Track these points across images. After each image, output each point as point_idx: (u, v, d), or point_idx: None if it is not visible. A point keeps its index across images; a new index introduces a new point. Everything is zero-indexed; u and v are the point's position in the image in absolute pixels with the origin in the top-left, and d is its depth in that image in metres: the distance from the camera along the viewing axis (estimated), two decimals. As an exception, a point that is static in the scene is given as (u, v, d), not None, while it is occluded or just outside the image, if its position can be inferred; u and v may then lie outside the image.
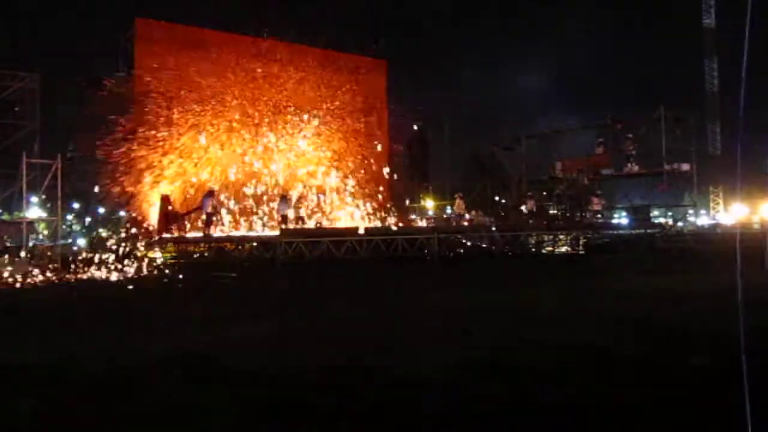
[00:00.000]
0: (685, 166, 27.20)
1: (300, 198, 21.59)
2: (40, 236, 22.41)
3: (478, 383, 5.12)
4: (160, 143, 20.12)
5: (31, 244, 19.87)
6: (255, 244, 18.62)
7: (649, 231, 24.87)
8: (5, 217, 23.41)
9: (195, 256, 18.86)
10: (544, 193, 30.37)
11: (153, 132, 19.99)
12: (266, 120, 22.28)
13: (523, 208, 26.05)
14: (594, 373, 5.40)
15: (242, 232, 20.39)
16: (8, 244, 20.06)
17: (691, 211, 31.08)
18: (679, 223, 28.26)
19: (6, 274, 15.20)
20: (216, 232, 19.24)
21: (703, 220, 38.89)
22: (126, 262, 16.71)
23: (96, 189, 20.40)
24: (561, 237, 23.82)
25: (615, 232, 25.17)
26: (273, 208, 21.43)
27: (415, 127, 28.46)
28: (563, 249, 23.43)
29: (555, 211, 29.15)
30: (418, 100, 25.38)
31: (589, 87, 69.45)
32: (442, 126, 30.73)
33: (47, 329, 8.26)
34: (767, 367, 3.96)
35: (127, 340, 7.21)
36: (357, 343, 6.92)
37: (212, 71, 21.14)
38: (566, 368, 5.53)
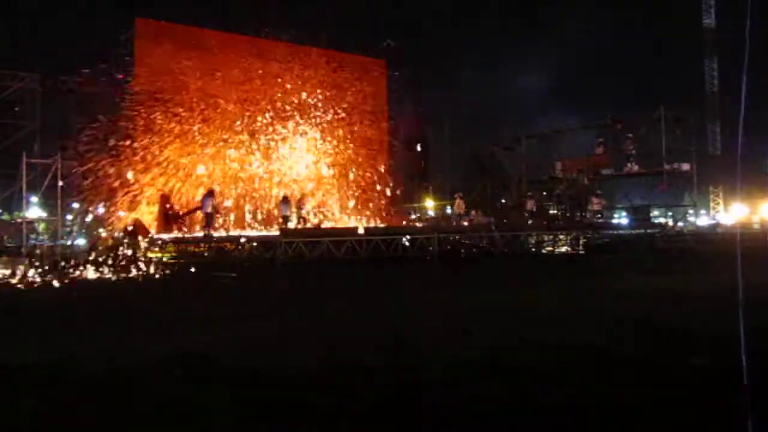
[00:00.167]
0: (685, 166, 27.24)
1: (301, 198, 21.59)
2: (40, 236, 22.41)
3: (478, 383, 5.11)
4: (141, 154, 19.59)
5: (30, 243, 19.86)
6: (255, 244, 18.62)
7: (649, 231, 24.90)
8: (5, 217, 23.42)
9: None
10: (544, 193, 30.40)
11: (130, 142, 19.37)
12: (266, 120, 22.27)
13: (526, 212, 26.07)
14: (594, 373, 5.40)
15: (242, 232, 20.40)
16: (8, 245, 20.07)
17: (691, 211, 31.12)
18: (680, 223, 28.28)
19: (6, 275, 15.20)
20: (218, 231, 19.25)
21: (703, 220, 38.90)
22: (126, 262, 16.71)
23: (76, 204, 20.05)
24: (561, 237, 23.83)
25: (615, 232, 25.20)
26: (272, 208, 21.45)
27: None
28: (563, 249, 23.44)
29: (555, 211, 29.18)
30: (417, 100, 25.26)
31: (589, 87, 69.50)
32: (442, 126, 30.75)
33: (47, 329, 8.26)
34: (767, 367, 3.96)
35: (127, 340, 7.20)
36: (357, 343, 6.92)
37: (212, 71, 21.13)
38: (566, 368, 5.53)
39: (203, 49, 21.16)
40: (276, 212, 21.50)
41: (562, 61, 66.41)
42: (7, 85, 21.58)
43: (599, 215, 25.88)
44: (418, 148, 28.57)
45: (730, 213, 40.37)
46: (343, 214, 23.58)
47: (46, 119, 22.04)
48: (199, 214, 19.53)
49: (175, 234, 18.41)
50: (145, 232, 18.23)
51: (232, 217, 20.72)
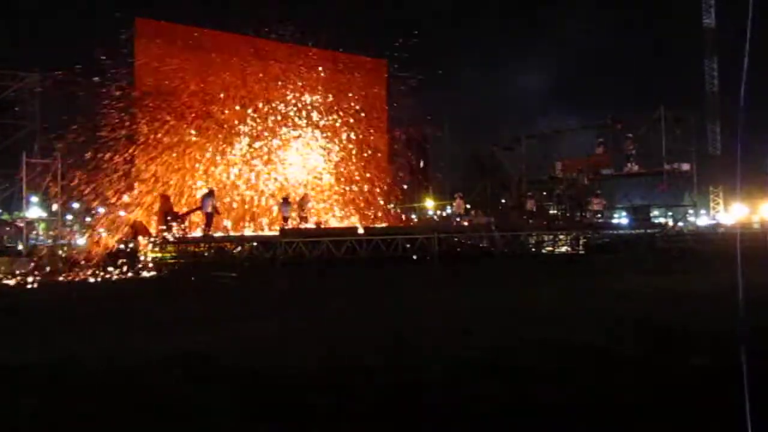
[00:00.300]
0: (685, 166, 27.26)
1: (302, 199, 21.57)
2: (40, 237, 22.42)
3: (478, 383, 5.11)
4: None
5: (31, 243, 19.87)
6: (255, 244, 18.62)
7: (649, 231, 24.89)
8: (5, 217, 23.43)
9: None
10: (544, 193, 30.42)
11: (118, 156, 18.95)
12: (266, 120, 22.27)
13: (526, 212, 26.06)
14: (594, 373, 5.40)
15: (243, 232, 20.40)
16: (8, 245, 20.08)
17: (691, 211, 31.13)
18: (680, 223, 28.30)
19: (5, 275, 15.21)
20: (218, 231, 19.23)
21: (703, 220, 38.91)
22: (125, 262, 16.71)
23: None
24: (561, 237, 23.83)
25: (615, 232, 25.19)
26: (272, 207, 21.45)
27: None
28: (563, 249, 23.44)
29: (555, 211, 29.18)
30: (418, 100, 25.22)
31: (589, 87, 69.55)
32: (442, 126, 30.75)
33: (47, 329, 8.26)
34: (767, 367, 3.96)
35: (127, 340, 7.20)
36: (357, 343, 6.92)
37: (211, 72, 21.12)
38: (566, 368, 5.53)
39: (203, 49, 21.15)
40: (276, 213, 21.51)
41: (562, 61, 66.61)
42: (7, 85, 21.59)
43: (599, 215, 25.88)
44: (418, 148, 28.55)
45: (730, 213, 40.36)
46: (343, 214, 23.57)
47: (46, 119, 22.04)
48: (200, 214, 19.49)
49: (175, 233, 18.38)
50: (146, 232, 18.23)
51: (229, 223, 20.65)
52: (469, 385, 5.05)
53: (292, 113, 22.88)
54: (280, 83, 22.62)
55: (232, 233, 19.87)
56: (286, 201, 20.74)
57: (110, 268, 16.04)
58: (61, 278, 15.21)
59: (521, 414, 4.27)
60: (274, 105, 22.46)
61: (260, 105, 22.13)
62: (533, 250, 22.66)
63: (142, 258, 17.03)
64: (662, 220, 28.97)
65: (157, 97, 20.03)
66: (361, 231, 19.87)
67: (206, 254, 18.53)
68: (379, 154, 24.94)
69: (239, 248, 18.84)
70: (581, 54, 63.61)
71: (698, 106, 41.32)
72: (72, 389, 5.15)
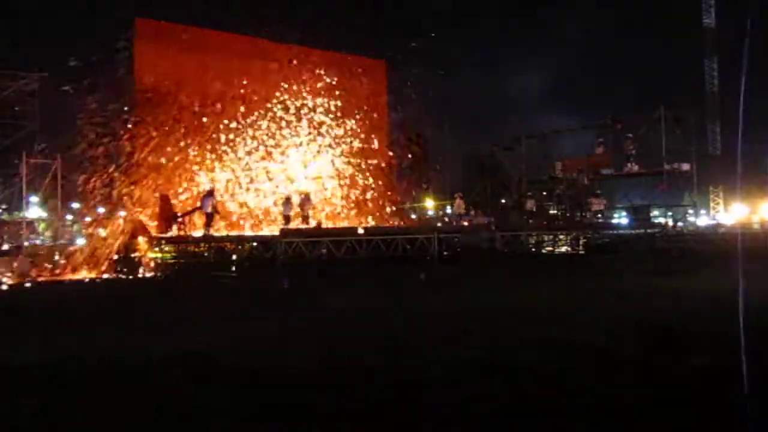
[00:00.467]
0: (685, 166, 27.28)
1: (304, 199, 21.55)
2: (40, 237, 22.42)
3: (478, 383, 5.11)
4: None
5: (29, 243, 19.87)
6: (255, 244, 18.61)
7: (649, 231, 24.90)
8: (5, 217, 23.43)
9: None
10: (544, 193, 30.43)
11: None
12: (266, 121, 22.26)
13: (526, 212, 26.06)
14: (594, 373, 5.40)
15: (242, 232, 20.39)
16: (7, 246, 20.07)
17: (691, 211, 31.14)
18: (680, 223, 28.31)
19: (6, 274, 15.23)
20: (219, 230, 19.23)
21: (703, 220, 38.90)
22: (126, 261, 16.72)
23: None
24: (561, 237, 23.83)
25: (615, 232, 25.20)
26: (269, 208, 21.45)
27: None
28: (563, 249, 23.44)
29: (555, 211, 29.19)
30: (417, 99, 25.22)
31: (589, 87, 69.53)
32: (442, 126, 30.74)
33: (47, 329, 8.26)
34: (767, 367, 3.96)
35: (127, 340, 7.20)
36: (357, 343, 6.92)
37: (212, 72, 21.10)
38: (566, 368, 5.53)
39: (203, 49, 21.13)
40: (277, 213, 21.51)
41: (562, 61, 66.48)
42: (7, 85, 21.59)
43: (599, 215, 25.88)
44: (419, 148, 28.55)
45: (730, 213, 40.34)
46: (343, 214, 23.56)
47: (46, 119, 22.04)
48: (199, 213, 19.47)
49: (175, 233, 18.38)
50: (145, 232, 18.22)
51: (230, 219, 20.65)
52: (469, 385, 5.05)
53: (291, 113, 22.87)
54: (279, 83, 22.60)
55: (232, 233, 19.86)
56: (287, 201, 20.74)
57: (115, 273, 16.07)
58: (59, 278, 15.22)
59: (521, 414, 4.27)
60: (273, 105, 22.44)
61: (259, 106, 22.10)
62: (533, 250, 22.67)
63: (141, 258, 17.03)
64: (662, 220, 28.97)
65: (156, 97, 20.01)
66: (361, 231, 19.87)
67: (206, 254, 18.52)
68: (379, 155, 24.92)
69: (239, 248, 18.83)
70: (581, 54, 63.55)
71: (698, 106, 41.26)
72: (72, 389, 5.15)
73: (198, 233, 18.41)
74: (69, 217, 21.46)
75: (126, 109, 19.62)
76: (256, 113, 22.03)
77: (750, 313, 2.93)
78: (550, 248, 23.46)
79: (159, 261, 17.30)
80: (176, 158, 20.27)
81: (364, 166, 24.32)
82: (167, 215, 18.78)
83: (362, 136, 24.46)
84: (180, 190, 20.19)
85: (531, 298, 10.45)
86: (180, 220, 18.78)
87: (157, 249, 17.80)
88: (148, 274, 16.20)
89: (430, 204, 31.62)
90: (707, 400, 4.43)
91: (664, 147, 26.45)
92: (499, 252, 20.75)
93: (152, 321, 8.72)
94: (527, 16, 71.31)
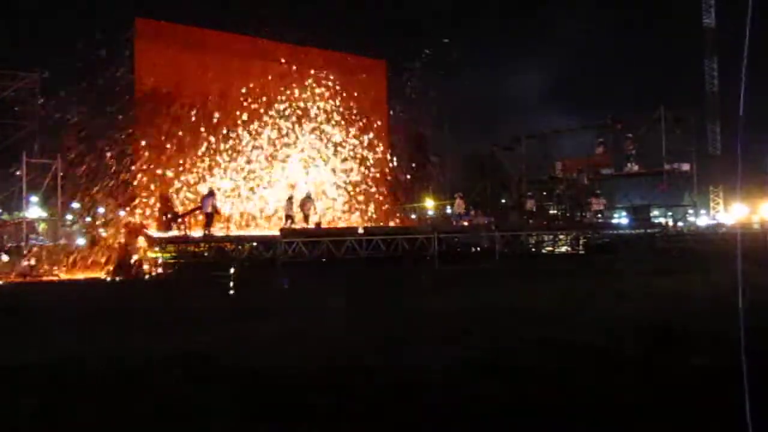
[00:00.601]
0: (685, 166, 27.27)
1: (305, 199, 21.55)
2: (40, 237, 22.42)
3: (478, 383, 5.11)
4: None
5: (30, 243, 19.86)
6: (255, 244, 18.61)
7: (649, 231, 24.90)
8: (5, 216, 23.43)
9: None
10: (544, 193, 30.43)
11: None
12: (266, 120, 22.25)
13: (526, 212, 26.06)
14: (594, 373, 5.40)
15: (242, 232, 20.38)
16: (8, 246, 20.07)
17: (691, 211, 31.15)
18: (680, 223, 28.33)
19: (6, 274, 15.23)
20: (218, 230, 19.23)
21: (703, 220, 38.93)
22: (126, 262, 16.73)
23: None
24: (561, 237, 23.83)
25: (615, 232, 25.20)
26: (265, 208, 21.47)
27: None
28: (563, 249, 23.44)
29: (555, 211, 29.19)
30: (417, 99, 25.23)
31: (589, 87, 69.56)
32: (442, 126, 30.74)
33: (47, 329, 8.27)
34: (767, 367, 3.95)
35: (127, 340, 7.21)
36: (357, 343, 6.92)
37: (212, 72, 21.09)
38: (566, 368, 5.53)
39: (203, 49, 21.12)
40: (277, 213, 21.51)
41: (562, 61, 66.52)
42: (7, 85, 21.59)
43: (599, 215, 25.88)
44: (418, 148, 28.54)
45: (730, 213, 40.36)
46: (344, 214, 23.56)
47: (46, 119, 22.02)
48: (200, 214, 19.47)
49: (175, 233, 18.38)
50: (143, 233, 18.22)
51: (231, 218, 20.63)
52: (469, 385, 5.05)
53: (291, 113, 22.85)
54: (279, 84, 22.58)
55: (232, 233, 19.86)
56: (289, 200, 20.73)
57: (115, 273, 16.07)
58: (59, 277, 15.22)
59: (521, 414, 4.27)
60: (273, 105, 22.42)
61: (259, 106, 22.08)
62: (533, 250, 22.67)
63: (141, 258, 17.03)
64: (662, 220, 28.98)
65: (156, 97, 19.99)
66: (361, 231, 19.87)
67: (206, 254, 18.52)
68: (379, 155, 24.91)
69: (239, 248, 18.82)
70: (581, 54, 63.59)
71: (698, 106, 41.31)
72: (72, 389, 5.15)
73: (198, 233, 18.42)
74: (69, 217, 21.45)
75: (126, 109, 19.61)
76: (255, 114, 22.00)
77: (750, 313, 2.93)
78: (550, 248, 23.47)
79: (159, 261, 17.30)
80: (176, 158, 20.27)
81: (364, 166, 24.32)
82: (167, 215, 18.79)
83: (362, 136, 24.45)
84: (179, 189, 20.19)
85: (531, 298, 10.45)
86: (180, 220, 18.79)
87: (157, 249, 17.80)
88: (147, 275, 16.19)
89: (430, 204, 31.62)
90: (707, 400, 4.43)
91: (664, 147, 26.45)
92: (498, 252, 20.75)
93: (152, 321, 8.72)
94: (527, 16, 71.37)
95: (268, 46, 22.43)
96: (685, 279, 12.87)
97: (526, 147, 32.33)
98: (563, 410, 4.31)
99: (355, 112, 24.30)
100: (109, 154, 19.05)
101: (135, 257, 17.37)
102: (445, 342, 6.81)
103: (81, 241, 19.59)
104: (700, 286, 11.24)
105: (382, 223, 23.46)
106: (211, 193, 18.99)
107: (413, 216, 28.53)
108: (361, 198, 24.01)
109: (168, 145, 20.13)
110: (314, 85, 23.38)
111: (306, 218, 20.77)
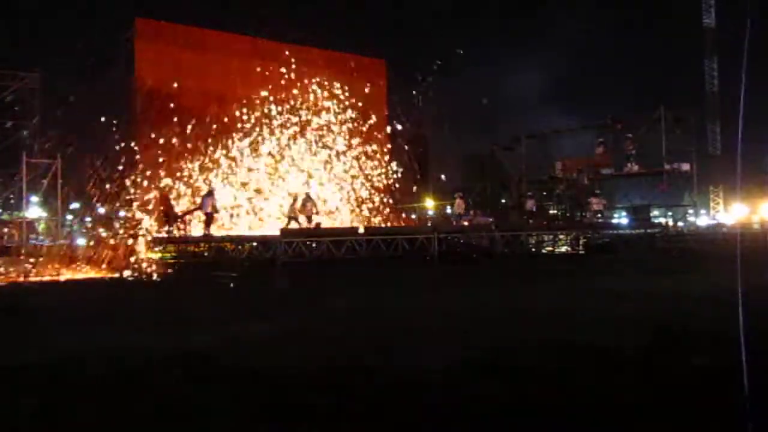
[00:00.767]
0: (685, 166, 27.28)
1: (305, 198, 21.53)
2: (40, 237, 22.41)
3: (478, 383, 5.11)
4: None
5: (30, 243, 19.86)
6: (255, 244, 18.61)
7: (649, 231, 24.90)
8: (5, 217, 23.43)
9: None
10: (544, 193, 30.44)
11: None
12: (265, 121, 22.24)
13: (526, 212, 26.06)
14: (594, 373, 5.40)
15: (242, 231, 20.38)
16: (7, 245, 20.07)
17: (691, 211, 31.15)
18: (680, 223, 28.33)
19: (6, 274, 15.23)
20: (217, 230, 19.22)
21: (703, 220, 38.93)
22: (126, 262, 16.71)
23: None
24: (561, 237, 23.82)
25: (615, 232, 25.19)
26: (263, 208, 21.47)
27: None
28: (563, 249, 23.43)
29: (555, 211, 29.19)
30: (417, 99, 25.22)
31: (589, 87, 69.59)
32: (442, 126, 30.73)
33: (47, 329, 8.26)
34: (767, 367, 3.96)
35: (127, 340, 7.20)
36: (357, 343, 6.92)
37: (212, 71, 21.08)
38: (566, 368, 5.53)
39: (203, 49, 21.12)
40: (277, 213, 21.51)
41: (562, 61, 66.55)
42: (7, 85, 21.58)
43: (599, 215, 25.87)
44: (419, 148, 28.54)
45: (730, 213, 40.37)
46: (343, 214, 23.55)
47: (46, 119, 22.02)
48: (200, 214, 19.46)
49: (175, 233, 18.37)
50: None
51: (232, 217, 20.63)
52: (469, 385, 5.05)
53: (291, 113, 22.85)
54: (279, 84, 22.57)
55: (232, 233, 19.86)
56: (293, 202, 20.72)
57: (111, 268, 16.06)
58: (59, 278, 15.22)
59: (521, 414, 4.27)
60: (273, 106, 22.41)
61: (259, 106, 22.07)
62: (533, 250, 22.65)
63: (140, 258, 17.03)
64: (662, 220, 28.98)
65: (156, 97, 19.98)
66: (361, 231, 19.86)
67: (206, 254, 18.52)
68: (379, 155, 24.91)
69: (239, 248, 18.82)
70: (581, 54, 63.64)
71: (698, 106, 41.34)
72: (72, 389, 5.15)
73: (198, 233, 18.42)
74: (69, 217, 21.44)
75: (126, 109, 19.61)
76: (255, 115, 21.98)
77: (750, 313, 2.93)
78: (550, 248, 23.45)
79: (159, 261, 17.29)
80: (176, 158, 20.26)
81: (363, 165, 24.31)
82: (167, 215, 18.77)
83: (362, 136, 24.45)
84: (177, 187, 20.18)
85: (531, 298, 10.45)
86: (180, 219, 18.78)
87: (157, 249, 17.80)
88: (147, 275, 16.17)
89: (430, 204, 31.62)
90: (707, 400, 4.43)
91: (664, 147, 26.45)
92: (498, 252, 20.75)
93: (152, 321, 8.72)
94: (527, 16, 71.39)
95: (268, 46, 22.43)
96: (685, 279, 12.86)
97: (526, 147, 32.32)
98: (563, 410, 4.31)
99: (354, 111, 24.30)
100: (109, 154, 19.03)
101: (136, 256, 17.36)
102: (445, 342, 6.81)
103: (81, 241, 19.57)
104: (700, 286, 11.23)
105: (382, 223, 23.46)
106: (210, 193, 18.99)
107: (413, 216, 28.53)
108: (360, 198, 24.00)
109: (168, 145, 20.13)
110: (314, 85, 23.38)
111: (307, 219, 20.77)
